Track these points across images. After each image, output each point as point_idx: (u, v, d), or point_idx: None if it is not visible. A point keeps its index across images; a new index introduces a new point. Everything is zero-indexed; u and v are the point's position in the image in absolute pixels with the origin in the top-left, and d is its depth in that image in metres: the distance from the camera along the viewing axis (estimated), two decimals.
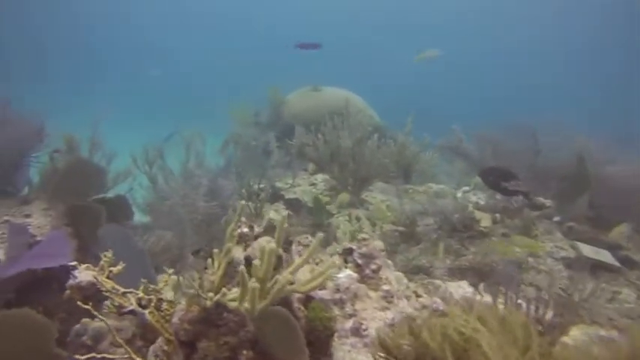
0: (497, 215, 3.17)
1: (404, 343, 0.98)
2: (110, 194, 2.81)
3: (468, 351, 0.83)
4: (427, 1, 22.94)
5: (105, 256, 1.29)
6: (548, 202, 3.41)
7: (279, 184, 3.47)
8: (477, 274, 2.80)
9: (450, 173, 4.23)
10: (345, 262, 1.67)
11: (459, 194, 4.22)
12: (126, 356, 1.32)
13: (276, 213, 1.50)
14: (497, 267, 2.48)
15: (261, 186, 3.00)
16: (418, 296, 1.82)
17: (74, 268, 1.26)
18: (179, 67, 23.15)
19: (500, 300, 1.65)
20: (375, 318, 1.49)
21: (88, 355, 1.09)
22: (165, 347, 1.28)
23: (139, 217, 3.24)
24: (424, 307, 1.69)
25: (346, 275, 1.57)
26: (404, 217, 3.31)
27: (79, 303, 1.16)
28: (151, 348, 1.35)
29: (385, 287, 1.60)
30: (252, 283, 0.99)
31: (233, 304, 1.12)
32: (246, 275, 1.04)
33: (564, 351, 0.85)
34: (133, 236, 2.12)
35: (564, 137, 3.21)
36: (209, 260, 1.29)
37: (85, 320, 1.51)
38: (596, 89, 20.18)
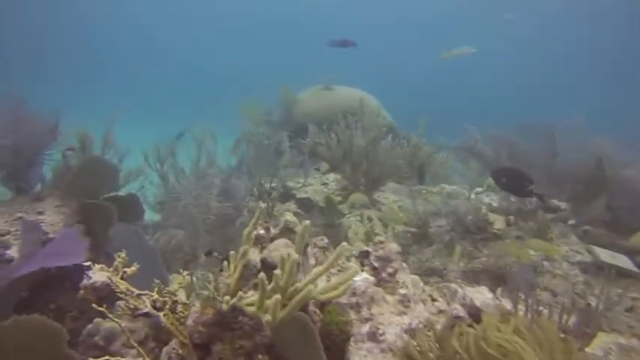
0: (511, 218, 3.12)
1: (430, 353, 0.95)
2: (121, 192, 2.81)
3: None
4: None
5: (119, 256, 1.27)
6: (562, 205, 3.35)
7: (290, 184, 3.45)
8: (491, 277, 2.76)
9: (463, 174, 4.18)
10: (362, 264, 1.64)
11: (472, 195, 4.17)
12: (139, 358, 1.30)
13: (292, 215, 1.47)
14: (513, 270, 2.43)
15: (273, 185, 2.98)
16: (434, 300, 1.78)
17: (88, 268, 1.25)
18: (188, 66, 23.30)
19: (521, 307, 1.61)
20: (392, 323, 1.46)
21: (102, 359, 1.07)
22: (180, 350, 1.26)
23: (149, 216, 3.24)
24: (440, 311, 1.66)
25: (362, 278, 1.54)
26: (416, 218, 3.27)
27: (93, 305, 1.15)
28: (164, 350, 1.33)
29: (402, 291, 1.57)
30: (275, 296, 0.96)
31: (250, 309, 1.10)
32: (266, 283, 1.01)
33: None
34: (144, 235, 2.11)
35: (581, 138, 3.15)
36: (224, 262, 1.27)
37: (97, 320, 1.49)
38: (605, 89, 19.98)
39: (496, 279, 2.68)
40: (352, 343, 1.41)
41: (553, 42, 22.06)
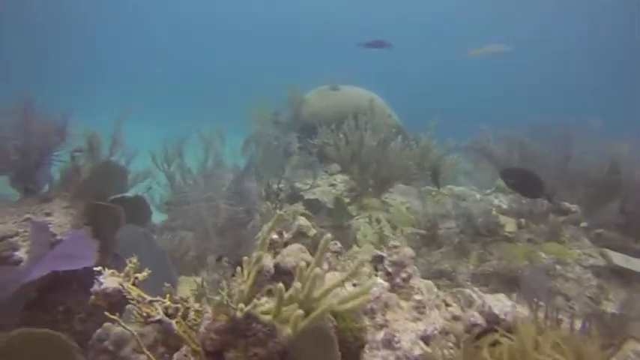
0: (522, 220, 3.08)
1: None
2: (128, 194, 2.80)
3: None
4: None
5: (130, 261, 1.24)
6: (574, 207, 3.31)
7: (298, 185, 3.42)
8: (502, 280, 2.73)
9: (471, 175, 4.14)
10: (375, 269, 1.61)
11: (479, 196, 4.13)
12: None
13: (305, 219, 1.44)
14: (526, 274, 2.39)
15: (280, 186, 2.95)
16: (447, 305, 1.75)
17: (99, 273, 1.22)
18: (191, 66, 23.31)
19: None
20: (407, 329, 1.43)
21: None
22: (192, 357, 1.24)
23: (156, 216, 3.23)
24: (455, 317, 1.63)
25: (372, 280, 1.51)
26: (425, 220, 3.23)
27: (106, 313, 1.12)
28: (175, 356, 1.30)
29: (417, 297, 1.54)
30: (298, 311, 0.93)
31: (266, 318, 1.07)
32: (283, 292, 0.98)
33: None
34: (153, 237, 2.09)
35: (596, 140, 3.10)
36: (238, 268, 1.24)
37: (107, 325, 1.47)
38: (609, 89, 19.85)
39: (507, 282, 2.64)
40: (367, 351, 1.38)
41: (554, 41, 21.93)
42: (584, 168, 3.10)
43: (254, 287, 1.25)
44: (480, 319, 1.42)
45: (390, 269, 1.60)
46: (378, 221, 3.18)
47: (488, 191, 4.32)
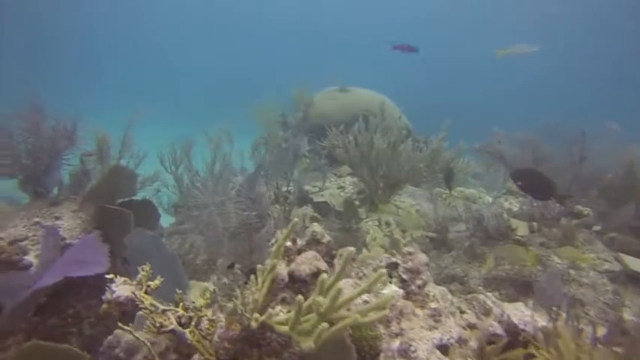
0: (535, 224, 3.03)
1: None
2: (136, 197, 2.78)
3: None
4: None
5: (143, 269, 1.22)
6: (586, 210, 3.26)
7: (307, 187, 3.40)
8: (514, 285, 2.69)
9: (481, 177, 4.10)
10: (390, 276, 1.58)
11: (489, 199, 4.08)
12: None
13: (318, 226, 1.42)
14: (539, 280, 2.35)
15: (289, 189, 2.92)
16: (462, 312, 1.72)
17: (111, 280, 1.20)
18: (201, 68, 23.36)
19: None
20: (423, 338, 1.40)
21: None
22: None
23: (163, 219, 3.21)
24: (471, 325, 1.60)
25: (391, 291, 1.48)
26: (435, 223, 3.20)
27: (120, 325, 1.10)
28: None
29: (432, 305, 1.51)
30: (323, 324, 0.91)
31: (282, 329, 1.04)
32: (302, 304, 0.96)
33: None
34: (163, 241, 2.07)
35: (611, 142, 3.05)
36: (252, 276, 1.22)
37: (118, 332, 1.45)
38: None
39: (520, 287, 2.60)
40: (382, 359, 1.36)
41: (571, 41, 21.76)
42: (598, 170, 3.05)
43: (268, 296, 1.23)
44: (499, 329, 1.39)
45: (404, 276, 1.57)
46: (388, 224, 3.15)
47: (497, 193, 4.27)
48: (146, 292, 1.18)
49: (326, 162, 3.48)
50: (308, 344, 0.92)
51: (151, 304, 1.13)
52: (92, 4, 23.17)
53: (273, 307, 1.25)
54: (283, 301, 1.26)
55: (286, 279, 1.28)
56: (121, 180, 2.23)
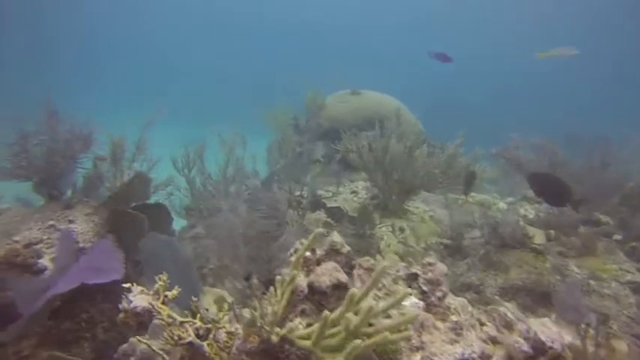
0: (552, 232, 2.97)
1: None
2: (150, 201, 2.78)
3: None
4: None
5: (160, 279, 1.20)
6: (605, 218, 3.19)
7: (320, 192, 3.37)
8: (531, 295, 2.63)
9: (495, 182, 4.04)
10: (409, 288, 1.54)
11: (503, 205, 4.02)
12: None
13: (338, 235, 1.38)
14: (559, 290, 2.29)
15: (303, 193, 2.89)
16: (482, 324, 1.68)
17: (128, 290, 1.18)
18: (201, 68, 23.39)
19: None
20: (445, 352, 1.36)
21: None
22: None
23: (175, 221, 3.20)
24: (492, 339, 1.55)
25: (412, 303, 1.44)
26: (450, 230, 3.15)
27: (138, 339, 1.08)
28: None
29: (453, 318, 1.46)
30: (355, 341, 0.88)
31: (304, 344, 1.01)
32: (328, 320, 0.92)
33: None
34: (177, 246, 2.06)
35: (634, 149, 2.98)
36: (271, 288, 1.19)
37: (133, 340, 1.43)
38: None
39: (537, 297, 2.54)
40: None
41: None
42: (620, 177, 2.98)
43: (287, 307, 1.20)
44: (525, 346, 1.34)
45: (424, 287, 1.53)
46: (402, 230, 3.11)
47: (512, 199, 4.20)
48: (163, 303, 1.16)
49: (340, 167, 3.45)
50: None
51: (169, 316, 1.10)
52: (92, 4, 23.23)
53: (292, 319, 1.22)
54: (302, 313, 1.23)
55: (306, 290, 1.25)
56: (138, 186, 2.22)
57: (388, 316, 1.24)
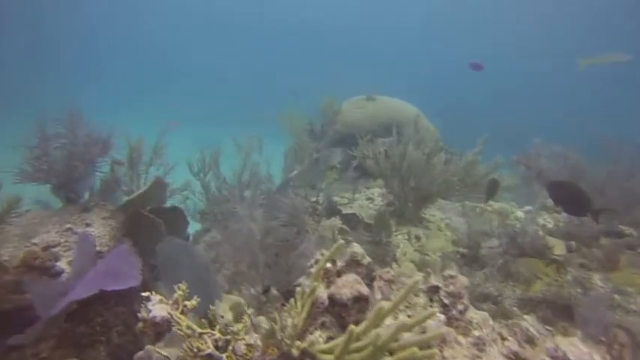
0: (573, 243, 2.90)
1: None
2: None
3: None
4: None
5: (179, 288, 1.19)
6: (628, 230, 3.10)
7: (336, 198, 3.34)
8: (552, 308, 2.56)
9: (512, 190, 3.96)
10: (430, 300, 1.51)
11: (521, 214, 3.94)
12: None
13: (359, 246, 1.36)
14: (582, 304, 2.22)
15: (318, 199, 2.87)
16: (503, 339, 1.63)
17: (148, 299, 1.17)
18: (201, 68, 23.45)
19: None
20: None
21: None
22: None
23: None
24: (515, 354, 1.51)
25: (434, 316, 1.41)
26: (467, 239, 3.10)
27: (157, 350, 1.07)
28: None
29: (476, 333, 1.42)
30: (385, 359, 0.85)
31: (326, 358, 0.98)
32: (354, 334, 0.90)
33: None
34: (195, 251, 2.05)
35: None
36: (291, 300, 1.17)
37: (149, 347, 1.42)
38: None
39: (558, 311, 2.48)
40: None
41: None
42: None
43: (308, 320, 1.18)
44: None
45: (446, 300, 1.49)
46: (418, 238, 3.07)
47: (530, 208, 4.12)
48: (182, 313, 1.14)
49: (356, 173, 3.42)
50: None
51: (188, 327, 1.08)
52: (92, 4, 23.39)
53: (312, 332, 1.20)
54: (322, 326, 1.21)
55: (326, 302, 1.22)
56: (155, 191, 2.22)
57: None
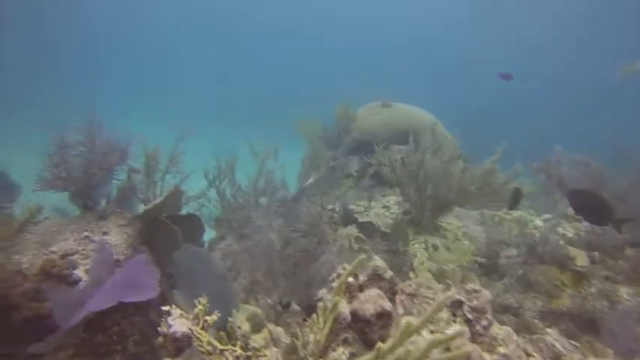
0: (596, 254, 2.82)
1: None
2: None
3: None
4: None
5: (200, 302, 1.17)
6: None
7: (352, 206, 3.31)
8: (576, 322, 2.49)
9: (531, 198, 3.88)
10: (453, 315, 1.46)
11: (540, 222, 3.86)
12: None
13: (380, 260, 1.33)
14: (608, 318, 2.16)
15: (335, 207, 2.84)
16: (528, 355, 1.58)
17: (168, 313, 1.15)
18: (201, 68, 23.51)
19: None
20: None
21: None
22: None
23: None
24: None
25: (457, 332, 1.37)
26: (485, 248, 3.04)
27: None
28: None
29: (501, 350, 1.38)
30: None
31: None
32: (382, 352, 0.87)
33: None
34: (212, 259, 2.04)
35: None
36: (313, 315, 1.14)
37: None
38: None
39: (583, 324, 2.41)
40: None
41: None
42: None
43: (330, 336, 1.15)
44: None
45: (469, 316, 1.45)
46: (435, 247, 3.01)
47: (548, 216, 4.04)
48: (203, 328, 1.12)
49: (372, 181, 3.38)
50: None
51: (209, 343, 1.06)
52: (92, 4, 23.51)
53: (334, 349, 1.17)
54: (345, 342, 1.18)
55: (349, 318, 1.19)
56: (174, 201, 2.22)
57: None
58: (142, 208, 2.58)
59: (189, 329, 1.09)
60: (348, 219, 3.09)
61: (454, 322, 1.45)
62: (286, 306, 1.72)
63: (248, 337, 1.44)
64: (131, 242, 2.41)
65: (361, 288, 1.31)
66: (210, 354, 1.04)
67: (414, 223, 3.18)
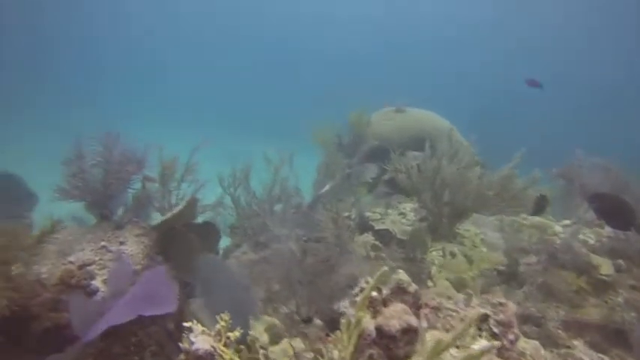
0: (622, 262, 2.74)
1: None
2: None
3: None
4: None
5: (222, 318, 1.15)
6: None
7: (368, 214, 3.28)
8: (601, 332, 2.41)
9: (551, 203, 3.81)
10: (479, 329, 1.42)
11: (559, 228, 3.78)
12: None
13: (404, 273, 1.29)
14: (638, 330, 2.09)
15: (350, 215, 2.81)
16: None
17: (190, 330, 1.13)
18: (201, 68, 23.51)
19: None
20: None
21: None
22: None
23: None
24: None
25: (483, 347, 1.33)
26: (504, 255, 2.98)
27: None
28: None
29: None
30: None
31: None
32: None
33: None
34: (231, 269, 2.02)
35: None
36: (337, 332, 1.11)
37: None
38: None
39: (611, 336, 2.33)
40: None
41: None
42: None
43: (355, 354, 1.12)
44: None
45: (495, 330, 1.40)
46: (453, 255, 2.96)
47: (568, 222, 3.95)
48: (225, 345, 1.10)
49: (388, 188, 3.34)
50: None
51: None
52: (92, 4, 23.74)
53: None
54: (370, 359, 1.14)
55: (374, 334, 1.16)
56: (187, 210, 2.22)
57: None
58: (157, 216, 2.57)
59: (212, 347, 1.07)
60: (364, 226, 3.06)
61: (480, 336, 1.41)
62: (308, 320, 1.69)
63: (267, 349, 1.42)
64: (148, 252, 2.41)
65: (385, 302, 1.27)
66: None
67: (430, 230, 3.13)
